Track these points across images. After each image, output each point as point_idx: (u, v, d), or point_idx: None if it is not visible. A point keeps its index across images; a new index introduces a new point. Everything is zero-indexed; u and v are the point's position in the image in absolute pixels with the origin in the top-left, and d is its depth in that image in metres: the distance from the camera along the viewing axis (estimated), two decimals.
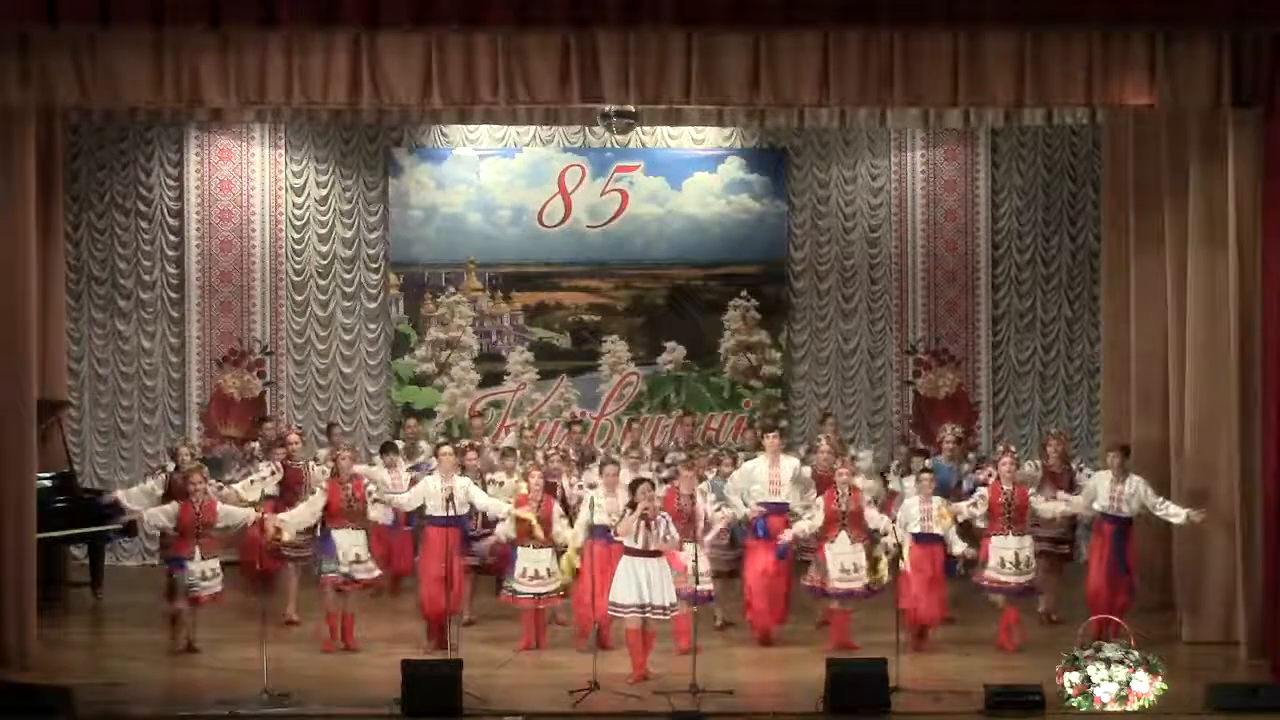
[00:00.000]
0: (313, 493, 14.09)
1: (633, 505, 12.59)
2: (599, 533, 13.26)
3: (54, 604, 15.32)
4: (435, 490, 13.71)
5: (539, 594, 13.58)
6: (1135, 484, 13.75)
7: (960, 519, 13.77)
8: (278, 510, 14.25)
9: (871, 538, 13.67)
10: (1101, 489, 13.86)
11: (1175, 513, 13.60)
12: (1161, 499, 13.71)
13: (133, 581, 16.42)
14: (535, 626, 13.69)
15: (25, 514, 13.23)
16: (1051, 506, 13.96)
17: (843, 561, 13.55)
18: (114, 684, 12.66)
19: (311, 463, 15.18)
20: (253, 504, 14.41)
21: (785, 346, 18.58)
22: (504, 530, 13.74)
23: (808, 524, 13.70)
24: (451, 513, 13.49)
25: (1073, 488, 14.52)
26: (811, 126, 17.83)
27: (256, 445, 16.26)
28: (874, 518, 13.66)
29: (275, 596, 14.44)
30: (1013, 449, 14.58)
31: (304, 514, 13.86)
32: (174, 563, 13.68)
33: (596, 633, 12.87)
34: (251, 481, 14.74)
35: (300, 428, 17.07)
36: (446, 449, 14.15)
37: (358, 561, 13.69)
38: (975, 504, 13.79)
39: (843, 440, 15.97)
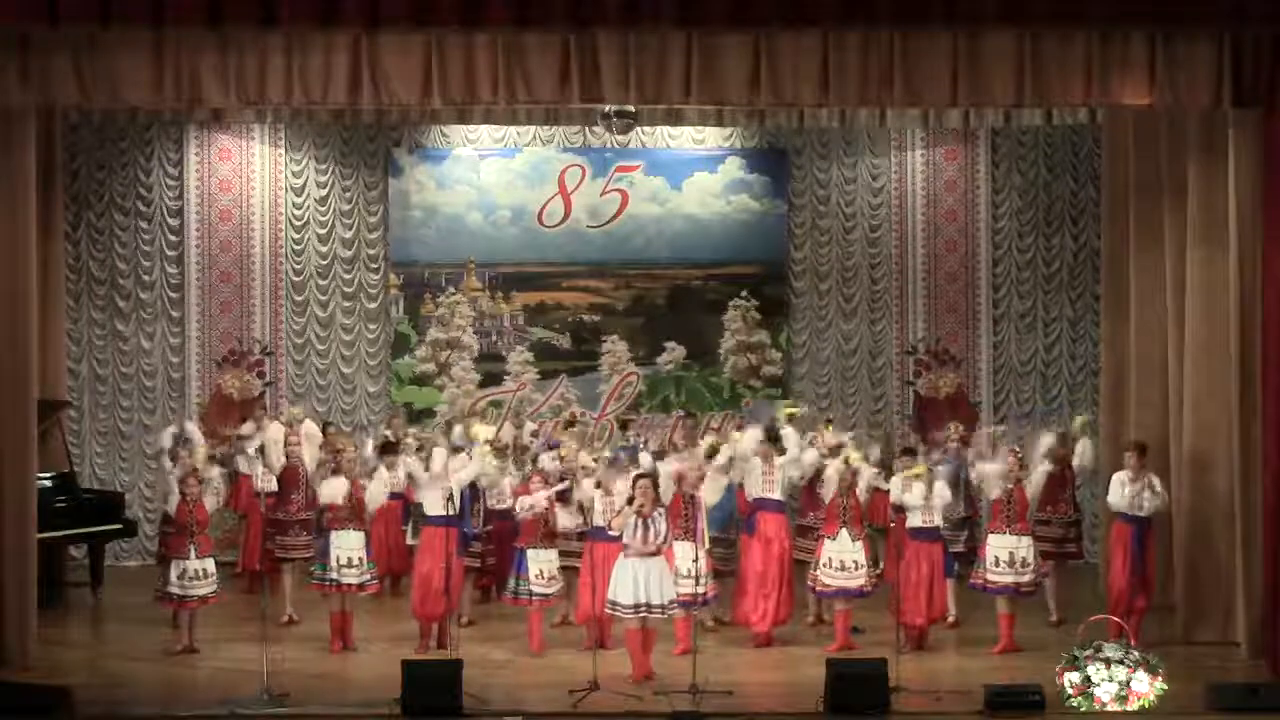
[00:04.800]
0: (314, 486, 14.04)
1: (630, 500, 12.60)
2: (599, 533, 13.24)
3: (54, 604, 15.33)
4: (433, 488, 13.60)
5: (546, 595, 13.58)
6: (1151, 482, 13.68)
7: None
8: (274, 509, 14.23)
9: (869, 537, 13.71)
10: (1117, 489, 13.75)
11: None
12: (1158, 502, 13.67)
13: (133, 581, 16.38)
14: (538, 627, 13.67)
15: (25, 514, 13.22)
16: (1035, 480, 13.87)
17: (843, 559, 13.54)
18: (114, 684, 12.67)
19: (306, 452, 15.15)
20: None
21: (785, 347, 18.58)
22: (528, 503, 13.53)
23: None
24: (451, 512, 13.46)
25: (1073, 485, 14.59)
26: (811, 126, 17.85)
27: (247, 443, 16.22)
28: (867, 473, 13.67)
29: (275, 596, 14.42)
30: (1016, 449, 14.50)
31: (336, 488, 13.68)
32: (168, 563, 13.61)
33: (598, 632, 12.87)
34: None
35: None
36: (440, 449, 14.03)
37: (349, 565, 13.61)
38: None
39: (842, 444, 15.74)
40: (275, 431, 15.59)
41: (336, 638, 13.70)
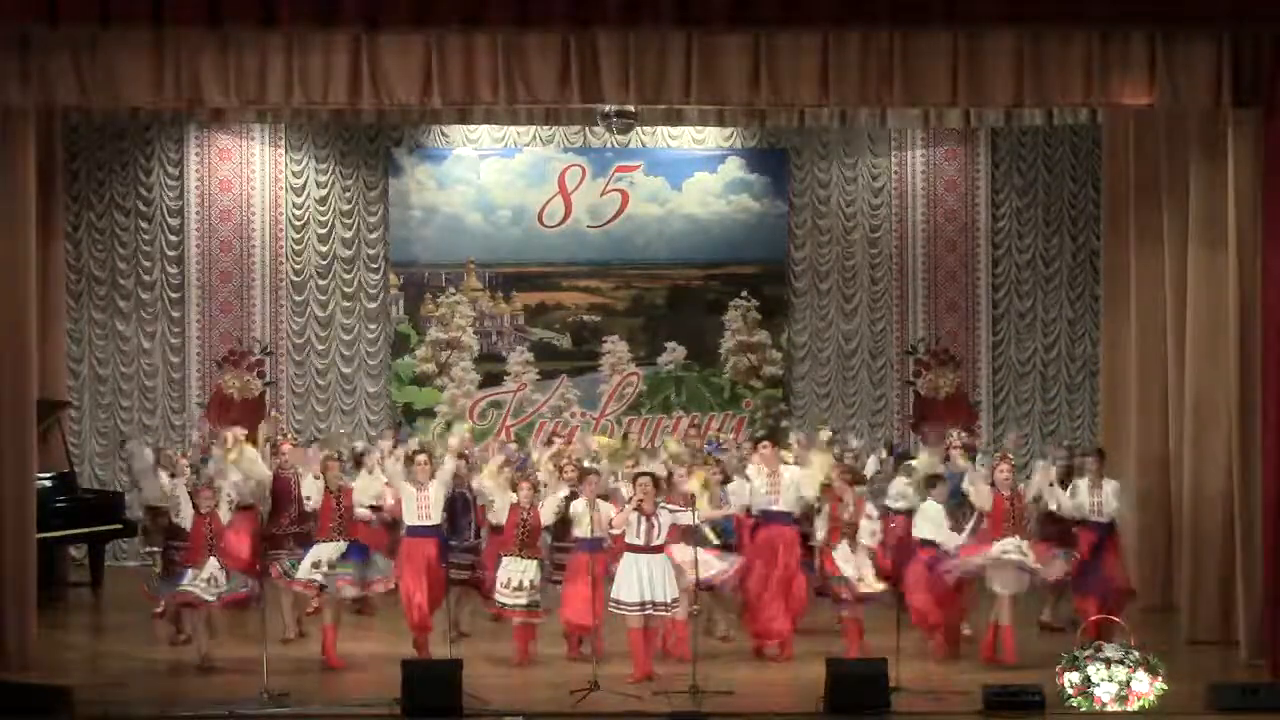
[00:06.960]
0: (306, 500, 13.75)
1: (629, 498, 12.57)
2: (590, 545, 12.95)
3: (54, 604, 15.33)
4: (411, 497, 13.21)
5: (520, 605, 13.18)
6: (1109, 489, 13.63)
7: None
8: (267, 524, 14.06)
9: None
10: (1082, 496, 13.69)
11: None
12: (1116, 505, 13.62)
13: (133, 581, 16.32)
14: (524, 640, 13.38)
15: (25, 514, 13.22)
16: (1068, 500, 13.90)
17: (843, 568, 13.47)
18: (114, 684, 12.67)
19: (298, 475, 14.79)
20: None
21: (786, 347, 18.59)
22: (494, 515, 13.38)
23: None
24: (429, 521, 13.17)
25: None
26: (811, 126, 17.87)
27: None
28: (866, 532, 13.42)
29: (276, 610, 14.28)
30: (1009, 456, 14.41)
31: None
32: (173, 572, 13.41)
33: (592, 641, 12.82)
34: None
35: (297, 432, 16.94)
36: (422, 456, 13.43)
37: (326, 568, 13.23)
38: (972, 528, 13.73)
39: (845, 464, 15.46)
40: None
41: (328, 650, 13.42)
